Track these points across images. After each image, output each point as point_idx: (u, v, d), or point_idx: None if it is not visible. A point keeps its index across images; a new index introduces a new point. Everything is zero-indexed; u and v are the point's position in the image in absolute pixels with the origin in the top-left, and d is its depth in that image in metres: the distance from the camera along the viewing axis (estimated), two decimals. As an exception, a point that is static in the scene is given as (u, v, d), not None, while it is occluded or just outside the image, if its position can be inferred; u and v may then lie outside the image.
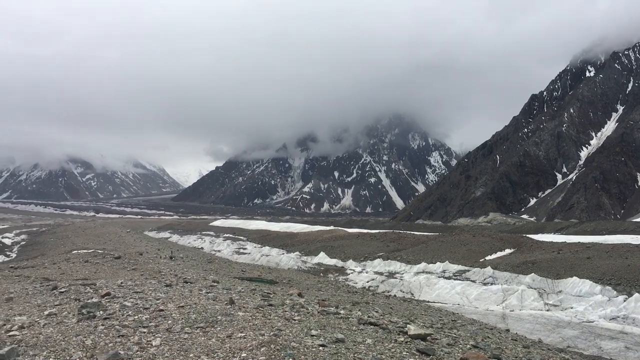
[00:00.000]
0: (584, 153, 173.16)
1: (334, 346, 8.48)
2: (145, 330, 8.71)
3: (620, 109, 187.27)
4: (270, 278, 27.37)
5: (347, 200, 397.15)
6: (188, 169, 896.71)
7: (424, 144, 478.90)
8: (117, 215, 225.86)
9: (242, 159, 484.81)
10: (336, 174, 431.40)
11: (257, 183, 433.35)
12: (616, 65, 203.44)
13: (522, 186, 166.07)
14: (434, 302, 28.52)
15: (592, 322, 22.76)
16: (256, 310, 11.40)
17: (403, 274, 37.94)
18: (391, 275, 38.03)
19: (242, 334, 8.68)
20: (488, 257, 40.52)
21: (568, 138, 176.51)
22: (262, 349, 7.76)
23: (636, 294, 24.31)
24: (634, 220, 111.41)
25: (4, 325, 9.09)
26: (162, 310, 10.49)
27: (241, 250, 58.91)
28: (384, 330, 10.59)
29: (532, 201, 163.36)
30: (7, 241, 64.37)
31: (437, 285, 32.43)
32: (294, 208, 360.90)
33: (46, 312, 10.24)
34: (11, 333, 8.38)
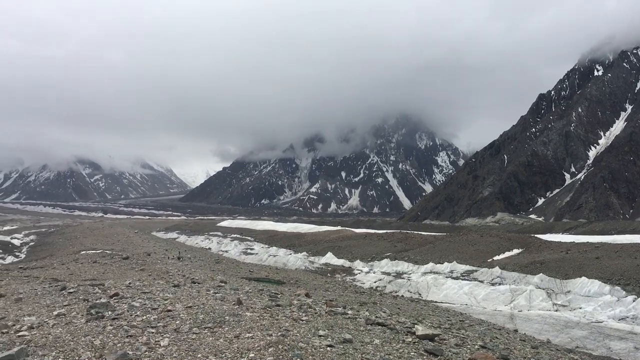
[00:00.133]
0: (592, 153, 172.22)
1: (342, 346, 8.47)
2: (153, 330, 8.73)
3: (629, 108, 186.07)
4: (278, 278, 27.38)
5: (354, 200, 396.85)
6: (195, 169, 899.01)
7: (431, 143, 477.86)
8: (125, 216, 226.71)
9: (249, 159, 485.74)
10: (343, 174, 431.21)
11: (264, 183, 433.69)
12: (624, 64, 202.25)
13: (530, 186, 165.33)
14: (442, 303, 28.44)
15: (601, 322, 22.62)
16: (264, 310, 11.40)
17: (410, 274, 37.88)
18: (399, 275, 37.97)
19: (250, 334, 8.69)
20: (496, 257, 40.38)
21: (576, 137, 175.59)
22: (269, 349, 7.76)
23: (646, 294, 24.17)
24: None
25: (14, 325, 9.14)
26: (170, 310, 10.52)
27: (248, 251, 58.98)
28: (392, 330, 10.57)
29: (540, 201, 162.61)
30: (16, 242, 64.74)
31: (444, 285, 32.34)
32: (301, 208, 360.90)
33: (55, 313, 10.29)
34: (20, 333, 8.43)
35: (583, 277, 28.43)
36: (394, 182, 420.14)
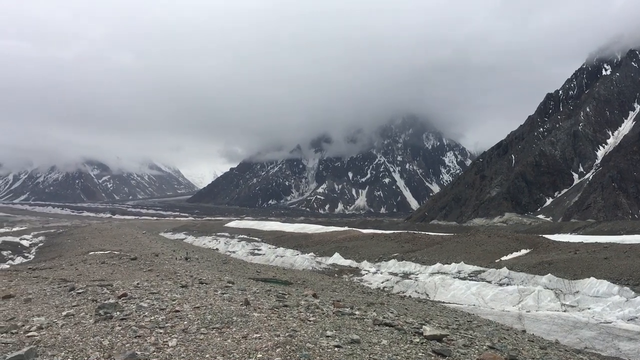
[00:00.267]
0: (600, 152, 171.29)
1: (350, 347, 8.46)
2: (161, 330, 8.76)
3: (638, 107, 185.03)
4: (285, 279, 27.38)
5: (361, 200, 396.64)
6: (203, 170, 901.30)
7: (438, 144, 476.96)
8: (133, 217, 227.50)
9: (256, 160, 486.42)
10: (350, 174, 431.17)
11: (271, 184, 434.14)
12: (633, 63, 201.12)
13: (538, 186, 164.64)
14: (449, 303, 28.36)
15: (610, 323, 22.48)
16: (271, 311, 11.41)
17: (418, 274, 37.80)
18: (406, 276, 37.91)
19: (258, 335, 8.70)
20: (504, 258, 40.24)
21: (584, 137, 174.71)
22: (277, 350, 7.77)
23: (655, 295, 24.01)
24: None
25: (23, 325, 9.20)
26: (178, 311, 10.55)
27: (256, 251, 59.05)
28: (400, 331, 10.55)
29: (548, 201, 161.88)
30: (26, 243, 65.06)
31: (452, 286, 32.25)
32: (308, 209, 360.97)
33: (64, 313, 10.34)
34: (30, 334, 8.48)
35: (592, 278, 28.28)
36: (401, 183, 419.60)
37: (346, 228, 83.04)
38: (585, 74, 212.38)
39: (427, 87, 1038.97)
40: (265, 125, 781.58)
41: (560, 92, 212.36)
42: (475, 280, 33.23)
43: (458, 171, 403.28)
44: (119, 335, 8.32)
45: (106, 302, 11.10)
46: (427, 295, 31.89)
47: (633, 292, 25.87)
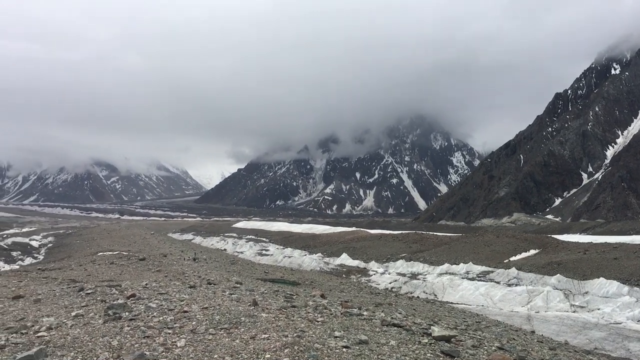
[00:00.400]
0: (610, 152, 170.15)
1: (358, 348, 8.46)
2: (170, 331, 8.79)
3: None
4: (293, 279, 27.39)
5: (369, 201, 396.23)
6: (210, 171, 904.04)
7: (446, 144, 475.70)
8: (141, 218, 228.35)
9: (264, 160, 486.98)
10: (358, 175, 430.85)
11: (279, 185, 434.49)
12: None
13: (546, 186, 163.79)
14: (458, 304, 28.28)
15: (620, 323, 22.33)
16: (279, 311, 11.42)
17: (426, 275, 37.71)
18: (414, 276, 37.82)
19: (266, 335, 8.70)
20: (512, 258, 40.07)
21: (593, 137, 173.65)
22: (285, 350, 7.78)
23: (666, 295, 23.81)
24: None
25: (33, 326, 9.26)
26: (186, 311, 10.58)
27: (264, 252, 59.11)
28: (408, 331, 10.52)
29: (557, 201, 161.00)
30: (35, 243, 65.45)
31: (460, 286, 32.14)
32: (315, 209, 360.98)
33: (73, 314, 10.39)
34: (39, 334, 8.53)
35: (601, 278, 28.09)
36: (408, 183, 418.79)
37: (354, 228, 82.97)
38: (594, 74, 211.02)
39: (435, 87, 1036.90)
40: (273, 125, 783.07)
41: (569, 91, 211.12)
42: (483, 280, 33.10)
43: (466, 171, 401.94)
44: (128, 336, 8.36)
45: (115, 302, 11.16)
46: (436, 295, 31.81)
47: (643, 293, 25.66)
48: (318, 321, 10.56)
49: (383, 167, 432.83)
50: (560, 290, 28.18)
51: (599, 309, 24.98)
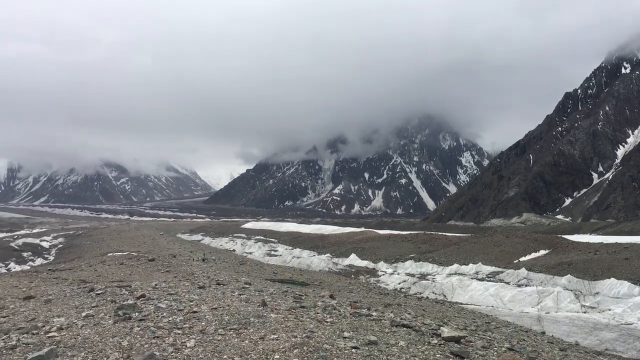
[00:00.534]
0: (620, 151, 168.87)
1: (367, 348, 8.44)
2: (179, 331, 8.82)
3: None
4: (302, 280, 27.39)
5: (377, 201, 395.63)
6: (219, 172, 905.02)
7: (455, 144, 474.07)
8: (151, 218, 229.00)
9: (272, 161, 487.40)
10: (366, 175, 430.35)
11: (287, 185, 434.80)
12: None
13: (556, 186, 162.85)
14: (467, 304, 28.17)
15: (631, 324, 22.16)
16: (288, 312, 11.42)
17: (435, 275, 37.59)
18: (423, 276, 37.70)
19: (275, 336, 8.71)
20: (522, 258, 39.86)
21: (604, 136, 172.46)
22: (294, 351, 7.78)
23: (678, 296, 23.60)
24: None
25: (43, 326, 9.32)
26: (195, 312, 10.61)
27: (272, 252, 59.15)
28: (417, 332, 10.50)
29: (567, 201, 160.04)
30: (45, 244, 65.90)
31: (470, 287, 32.02)
32: (324, 210, 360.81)
33: (83, 314, 10.45)
34: (50, 334, 8.59)
35: (612, 279, 27.88)
36: (417, 183, 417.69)
37: (363, 229, 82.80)
38: (605, 73, 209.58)
39: (443, 87, 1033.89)
40: (281, 126, 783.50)
41: (579, 91, 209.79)
42: (493, 281, 32.95)
43: (475, 171, 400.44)
44: (138, 336, 8.40)
45: (125, 303, 11.21)
46: (445, 296, 31.71)
47: (655, 293, 25.45)
48: (327, 322, 10.56)
49: (392, 167, 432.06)
50: (571, 290, 28.00)
51: (609, 310, 24.80)
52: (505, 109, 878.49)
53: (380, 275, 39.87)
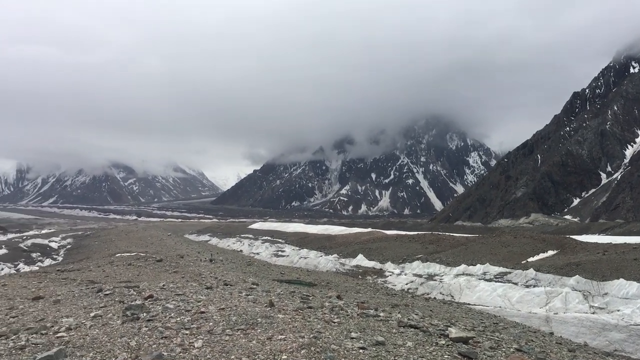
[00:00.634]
0: (629, 151, 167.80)
1: (374, 349, 8.43)
2: (187, 332, 8.84)
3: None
4: (309, 280, 27.39)
5: (384, 202, 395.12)
6: (226, 172, 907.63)
7: (462, 144, 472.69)
8: (158, 219, 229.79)
9: (279, 162, 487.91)
10: (373, 175, 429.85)
11: (294, 186, 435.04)
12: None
13: (564, 186, 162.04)
14: (475, 305, 28.08)
15: (641, 325, 22.02)
16: (295, 312, 11.43)
17: (442, 276, 37.48)
18: (430, 277, 37.62)
19: (282, 336, 8.72)
20: (530, 259, 39.70)
21: (612, 136, 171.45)
22: (302, 351, 7.78)
23: (687, 297, 23.42)
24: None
25: (52, 326, 9.37)
26: (203, 312, 10.63)
27: (279, 253, 59.19)
28: (425, 333, 10.47)
29: (576, 201, 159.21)
30: (54, 245, 66.29)
31: (477, 287, 31.90)
32: (331, 210, 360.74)
33: (92, 314, 10.51)
34: (59, 334, 8.64)
35: (621, 279, 27.70)
36: (424, 184, 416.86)
37: (370, 229, 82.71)
38: (613, 72, 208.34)
39: (450, 87, 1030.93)
40: (288, 127, 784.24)
41: (587, 90, 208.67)
42: (501, 281, 32.83)
43: (482, 172, 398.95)
44: (146, 336, 8.43)
45: (133, 303, 11.25)
46: (452, 296, 31.62)
47: (664, 294, 25.27)
48: (334, 322, 10.56)
49: (399, 167, 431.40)
50: (579, 291, 27.85)
51: (618, 310, 24.64)
52: (513, 108, 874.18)
53: (388, 276, 39.81)
